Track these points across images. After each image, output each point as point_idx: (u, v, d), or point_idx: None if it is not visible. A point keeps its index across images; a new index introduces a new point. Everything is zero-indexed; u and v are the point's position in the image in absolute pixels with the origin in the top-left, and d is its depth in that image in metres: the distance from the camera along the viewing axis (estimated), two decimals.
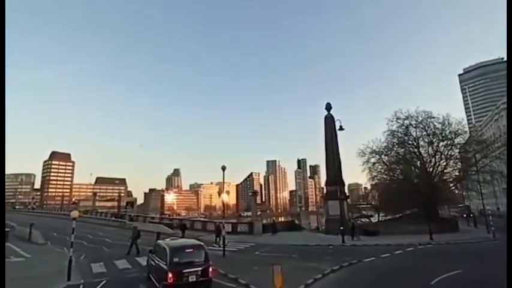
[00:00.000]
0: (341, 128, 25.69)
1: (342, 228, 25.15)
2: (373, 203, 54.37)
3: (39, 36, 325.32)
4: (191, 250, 11.14)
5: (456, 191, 43.25)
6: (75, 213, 13.26)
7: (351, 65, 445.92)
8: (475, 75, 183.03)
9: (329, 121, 35.50)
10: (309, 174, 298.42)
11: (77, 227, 40.97)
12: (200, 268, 10.42)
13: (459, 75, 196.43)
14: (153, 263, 12.06)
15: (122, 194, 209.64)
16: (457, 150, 38.33)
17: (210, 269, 10.67)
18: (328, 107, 36.32)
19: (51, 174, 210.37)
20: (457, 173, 39.76)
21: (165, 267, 10.36)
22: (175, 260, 10.39)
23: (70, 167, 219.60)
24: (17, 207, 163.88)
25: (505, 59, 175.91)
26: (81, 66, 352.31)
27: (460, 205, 78.83)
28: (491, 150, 37.68)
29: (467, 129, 42.10)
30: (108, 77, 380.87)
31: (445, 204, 56.70)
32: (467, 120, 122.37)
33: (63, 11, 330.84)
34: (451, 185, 40.76)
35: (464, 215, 48.17)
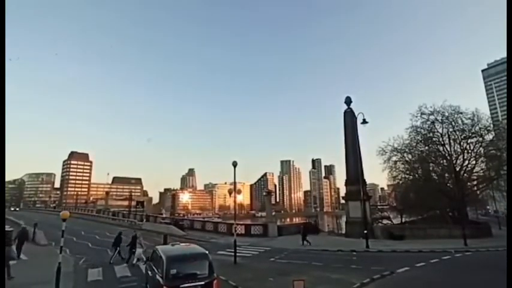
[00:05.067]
0: (364, 121, 23.36)
1: (365, 231, 22.84)
2: (394, 204, 51.37)
3: (60, 38, 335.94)
4: (193, 260, 9.21)
5: (480, 192, 40.19)
6: (65, 214, 11.64)
7: (368, 64, 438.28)
8: (501, 70, 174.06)
9: (349, 116, 33.31)
10: (323, 175, 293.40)
11: (86, 227, 39.85)
12: (202, 282, 8.50)
13: (482, 70, 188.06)
14: (149, 272, 10.28)
15: (138, 194, 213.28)
16: (488, 148, 35.52)
17: (215, 282, 8.74)
18: (348, 101, 34.10)
19: (70, 173, 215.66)
20: (488, 173, 36.79)
21: (160, 280, 8.52)
22: (173, 272, 8.49)
23: (88, 167, 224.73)
24: (38, 205, 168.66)
25: None
26: (100, 67, 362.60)
27: (488, 207, 74.55)
28: None
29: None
30: (128, 78, 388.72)
31: (473, 206, 53.27)
32: (492, 116, 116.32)
33: (83, 14, 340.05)
34: (481, 186, 37.74)
35: None
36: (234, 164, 19.01)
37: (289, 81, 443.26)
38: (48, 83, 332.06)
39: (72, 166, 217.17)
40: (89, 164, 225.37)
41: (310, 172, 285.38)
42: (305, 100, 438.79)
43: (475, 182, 37.39)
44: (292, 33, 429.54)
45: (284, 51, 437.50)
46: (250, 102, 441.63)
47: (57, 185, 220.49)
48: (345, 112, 34.31)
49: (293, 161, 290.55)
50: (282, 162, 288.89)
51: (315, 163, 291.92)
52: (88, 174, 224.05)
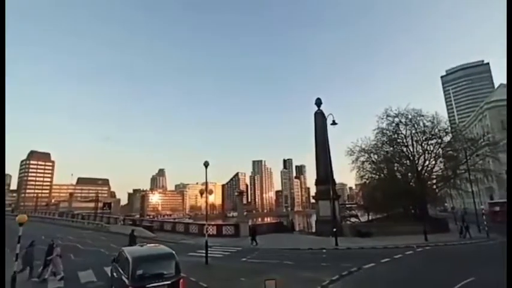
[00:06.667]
0: (334, 123, 24.01)
1: (335, 230, 23.51)
2: (361, 203, 53.36)
3: (16, 35, 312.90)
4: (159, 260, 9.18)
5: (439, 190, 42.91)
6: (22, 218, 10.86)
7: (339, 67, 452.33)
8: (458, 77, 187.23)
9: (319, 117, 34.02)
10: (294, 175, 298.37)
11: (47, 231, 37.39)
12: (169, 282, 8.46)
13: (441, 76, 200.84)
14: (115, 274, 10.04)
15: (105, 195, 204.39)
16: (446, 149, 37.85)
17: (181, 281, 8.73)
18: (318, 102, 34.80)
19: (30, 174, 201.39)
20: (446, 172, 39.23)
21: (126, 280, 8.37)
22: (139, 272, 8.40)
23: (50, 167, 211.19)
24: None
25: (486, 61, 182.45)
26: (65, 63, 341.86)
27: (446, 204, 79.52)
28: (478, 146, 37.34)
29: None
30: (92, 76, 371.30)
31: (433, 203, 56.58)
32: (450, 119, 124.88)
33: (44, 11, 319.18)
34: (440, 184, 40.15)
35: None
36: (206, 164, 18.78)
37: (262, 83, 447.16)
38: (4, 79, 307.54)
39: (31, 166, 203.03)
40: (50, 164, 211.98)
41: (281, 172, 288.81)
42: (277, 102, 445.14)
43: (434, 181, 39.68)
44: (269, 38, 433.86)
45: (257, 54, 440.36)
46: (222, 103, 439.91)
47: (13, 186, 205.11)
48: (315, 113, 34.93)
49: (265, 161, 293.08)
50: (253, 162, 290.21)
51: (286, 163, 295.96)
52: (50, 175, 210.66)
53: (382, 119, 37.63)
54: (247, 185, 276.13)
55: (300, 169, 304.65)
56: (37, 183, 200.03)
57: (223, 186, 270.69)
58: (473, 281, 11.56)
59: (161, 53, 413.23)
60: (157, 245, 12.01)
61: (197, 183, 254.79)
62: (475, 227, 30.54)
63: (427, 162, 36.50)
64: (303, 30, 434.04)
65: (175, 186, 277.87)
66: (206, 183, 20.63)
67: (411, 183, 37.25)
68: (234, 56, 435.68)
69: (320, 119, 33.70)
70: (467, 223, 27.80)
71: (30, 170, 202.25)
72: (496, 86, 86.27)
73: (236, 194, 42.97)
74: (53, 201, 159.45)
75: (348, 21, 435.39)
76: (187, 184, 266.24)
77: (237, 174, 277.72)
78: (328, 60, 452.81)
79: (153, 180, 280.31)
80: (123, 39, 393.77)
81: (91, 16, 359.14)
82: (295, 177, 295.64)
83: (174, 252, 9.55)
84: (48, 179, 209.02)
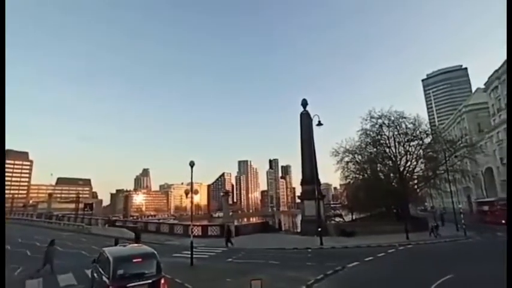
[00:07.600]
0: (319, 123, 24.25)
1: (319, 229, 23.77)
2: (346, 202, 54.23)
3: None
4: (140, 259, 9.07)
5: (421, 190, 44.07)
6: None
7: (326, 68, 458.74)
8: (438, 80, 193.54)
9: (305, 118, 34.29)
10: (280, 175, 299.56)
11: (25, 233, 36.13)
12: (149, 281, 8.45)
13: (422, 80, 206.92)
14: (96, 275, 9.92)
15: (86, 196, 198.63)
16: (427, 150, 38.93)
17: (162, 281, 8.72)
18: (304, 103, 35.07)
19: (5, 174, 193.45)
20: (426, 172, 40.34)
21: (107, 281, 8.29)
22: (120, 272, 8.34)
23: (27, 167, 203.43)
24: None
25: (463, 66, 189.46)
26: (47, 64, 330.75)
27: (426, 204, 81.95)
28: (456, 148, 38.59)
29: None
30: (78, 77, 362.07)
31: (414, 203, 58.15)
32: (430, 121, 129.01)
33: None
34: (421, 184, 41.25)
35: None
36: (191, 164, 18.56)
37: (248, 83, 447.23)
38: None
39: (7, 166, 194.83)
40: (28, 163, 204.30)
41: (267, 172, 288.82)
42: (264, 102, 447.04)
43: (415, 181, 40.74)
44: (254, 39, 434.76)
45: (245, 55, 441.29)
46: (208, 104, 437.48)
47: None
48: (301, 114, 35.17)
49: (250, 161, 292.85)
50: (239, 162, 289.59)
51: (272, 163, 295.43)
52: (27, 175, 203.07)
53: (366, 120, 38.28)
54: (233, 185, 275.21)
55: (286, 169, 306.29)
56: (13, 183, 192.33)
57: (208, 186, 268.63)
58: (452, 277, 11.97)
59: (151, 53, 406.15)
60: (139, 245, 11.95)
61: (182, 184, 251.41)
62: (453, 226, 31.59)
63: (408, 163, 37.36)
64: (291, 31, 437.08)
65: (160, 186, 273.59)
66: (192, 183, 20.40)
67: (393, 184, 38.04)
68: (221, 56, 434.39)
69: (306, 119, 33.96)
70: (437, 223, 28.83)
71: (6, 170, 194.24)
72: (473, 90, 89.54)
73: (222, 194, 42.77)
74: (30, 202, 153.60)
75: (335, 24, 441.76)
76: (172, 184, 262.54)
77: (222, 174, 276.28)
78: (316, 61, 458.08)
79: (137, 180, 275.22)
80: (116, 40, 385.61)
81: (86, 17, 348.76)
82: (281, 177, 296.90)
83: (155, 251, 9.52)
84: (26, 179, 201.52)
